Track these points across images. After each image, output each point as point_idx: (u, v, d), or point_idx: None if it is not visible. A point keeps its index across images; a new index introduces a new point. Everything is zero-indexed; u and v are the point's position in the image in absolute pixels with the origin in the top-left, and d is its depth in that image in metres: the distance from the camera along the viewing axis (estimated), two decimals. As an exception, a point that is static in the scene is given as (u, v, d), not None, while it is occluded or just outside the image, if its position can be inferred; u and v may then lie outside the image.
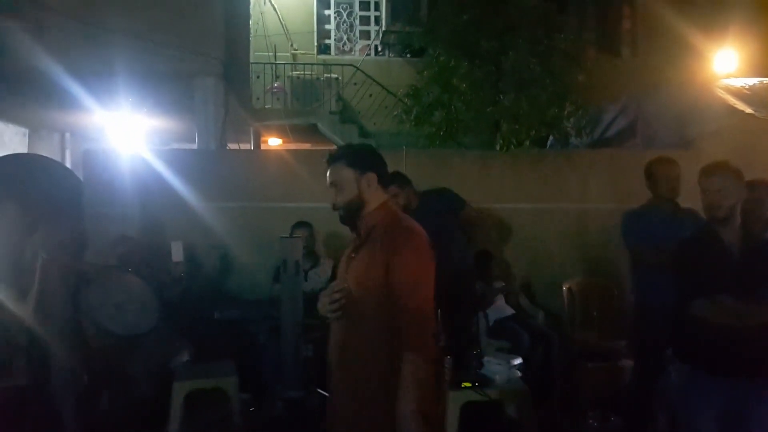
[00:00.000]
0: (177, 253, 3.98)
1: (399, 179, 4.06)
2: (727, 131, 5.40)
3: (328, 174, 2.09)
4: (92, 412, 3.97)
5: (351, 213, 2.07)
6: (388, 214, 2.08)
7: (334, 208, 2.08)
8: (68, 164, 9.23)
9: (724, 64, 6.57)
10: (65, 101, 6.45)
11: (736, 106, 5.67)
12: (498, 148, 5.99)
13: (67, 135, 10.08)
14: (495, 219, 5.19)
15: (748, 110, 5.62)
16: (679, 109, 5.95)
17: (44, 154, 7.63)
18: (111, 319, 3.85)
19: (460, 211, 4.34)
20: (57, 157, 9.10)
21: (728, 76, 6.21)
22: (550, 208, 5.31)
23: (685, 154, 5.35)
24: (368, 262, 1.99)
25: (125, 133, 7.86)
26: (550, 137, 7.20)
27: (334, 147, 9.75)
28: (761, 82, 5.79)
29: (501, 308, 4.75)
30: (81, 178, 5.23)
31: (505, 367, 3.78)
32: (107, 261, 4.25)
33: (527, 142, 6.52)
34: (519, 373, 3.82)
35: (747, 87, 5.74)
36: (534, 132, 6.53)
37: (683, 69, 6.98)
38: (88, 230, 4.24)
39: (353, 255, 2.09)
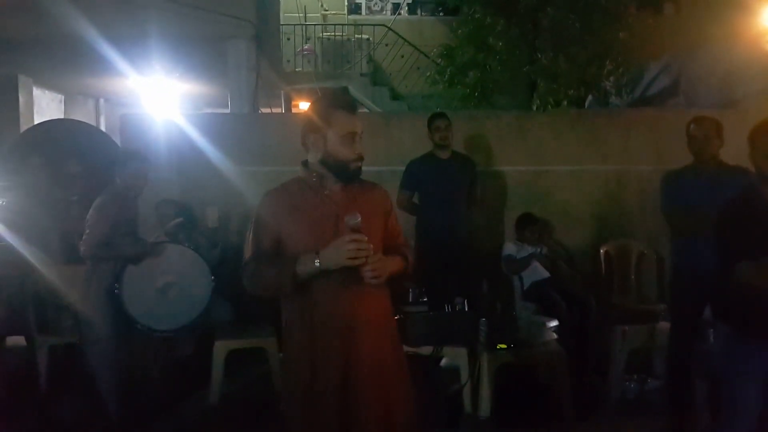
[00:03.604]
0: (213, 219, 4.01)
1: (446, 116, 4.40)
2: (776, 89, 5.20)
3: (359, 124, 2.11)
4: (132, 373, 3.97)
5: None
6: None
7: (362, 158, 2.10)
8: (103, 130, 9.38)
9: (773, 18, 6.25)
10: (100, 67, 6.51)
11: (786, 62, 5.44)
12: (534, 108, 5.86)
13: (101, 101, 10.23)
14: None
15: (799, 66, 5.40)
16: (725, 67, 5.73)
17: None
18: (153, 317, 3.66)
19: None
20: (92, 123, 9.26)
21: (778, 31, 5.92)
22: (588, 169, 5.19)
23: (731, 113, 5.17)
24: (372, 212, 2.13)
25: (158, 99, 7.92)
26: (589, 97, 7.02)
27: (365, 110, 9.74)
28: (814, 36, 5.52)
29: (536, 271, 4.71)
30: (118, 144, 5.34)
31: (541, 329, 3.77)
32: (150, 229, 4.23)
33: (565, 102, 6.37)
34: (555, 336, 3.80)
35: (798, 42, 5.49)
36: (572, 92, 6.35)
37: (729, 25, 6.67)
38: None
39: (343, 207, 2.07)
